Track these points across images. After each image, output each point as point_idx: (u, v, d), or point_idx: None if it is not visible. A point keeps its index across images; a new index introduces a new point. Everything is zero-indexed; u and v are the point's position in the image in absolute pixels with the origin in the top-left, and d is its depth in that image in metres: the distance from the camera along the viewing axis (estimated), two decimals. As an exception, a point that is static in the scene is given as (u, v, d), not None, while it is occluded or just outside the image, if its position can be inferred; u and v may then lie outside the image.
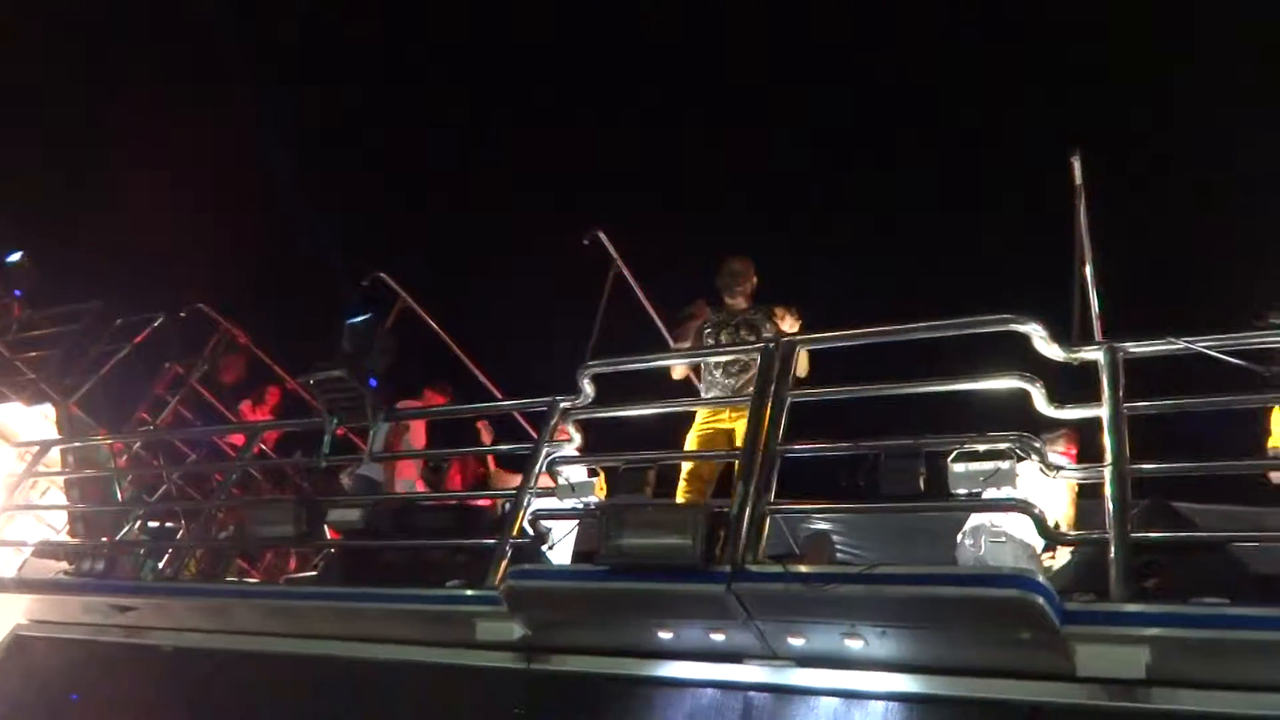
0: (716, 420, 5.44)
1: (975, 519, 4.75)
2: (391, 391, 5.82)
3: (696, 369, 5.90)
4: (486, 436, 6.99)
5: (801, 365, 5.16)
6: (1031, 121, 13.50)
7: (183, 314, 8.04)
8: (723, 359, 5.51)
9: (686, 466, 5.36)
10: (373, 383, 5.47)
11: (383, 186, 15.93)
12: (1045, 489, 4.16)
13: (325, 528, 5.44)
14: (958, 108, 14.59)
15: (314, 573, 6.28)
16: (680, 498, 5.22)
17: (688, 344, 5.71)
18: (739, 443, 4.55)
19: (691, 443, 5.42)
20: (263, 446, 8.14)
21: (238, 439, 7.63)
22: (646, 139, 15.56)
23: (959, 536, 4.84)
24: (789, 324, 5.43)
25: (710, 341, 5.60)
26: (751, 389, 4.89)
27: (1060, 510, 4.47)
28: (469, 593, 4.41)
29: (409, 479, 7.09)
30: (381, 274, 6.42)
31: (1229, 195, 11.48)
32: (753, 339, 5.43)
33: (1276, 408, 4.73)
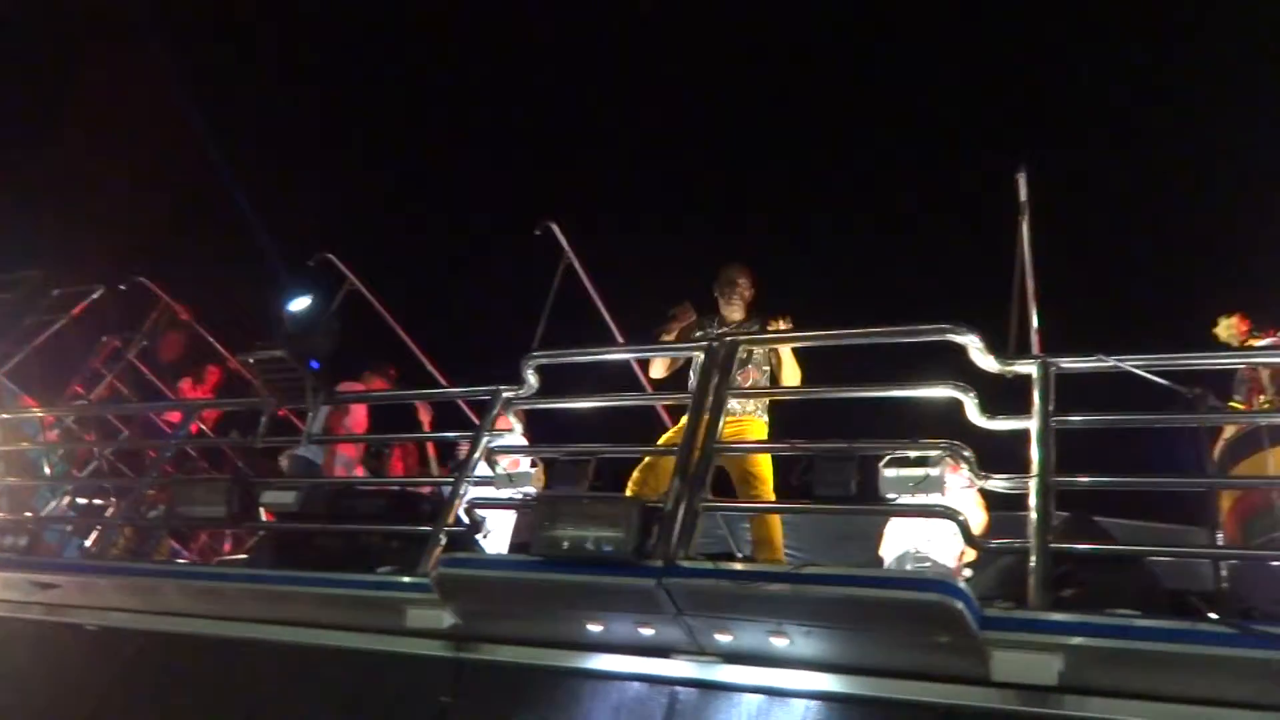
0: None
1: (899, 545, 4.86)
2: (333, 374, 5.76)
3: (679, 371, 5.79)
4: (425, 416, 6.94)
5: (792, 372, 5.17)
6: (1031, 122, 13.55)
7: (123, 286, 7.86)
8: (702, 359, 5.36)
9: (646, 459, 5.30)
10: (314, 365, 5.42)
11: (344, 169, 15.66)
12: (959, 498, 4.25)
13: (260, 510, 5.38)
14: (956, 107, 14.55)
15: (245, 555, 6.20)
16: (631, 489, 5.18)
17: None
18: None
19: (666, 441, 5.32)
20: (201, 426, 8.01)
21: (175, 417, 7.50)
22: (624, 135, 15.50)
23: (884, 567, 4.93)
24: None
25: None
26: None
27: (974, 519, 4.58)
28: (400, 579, 4.39)
29: (346, 457, 6.99)
30: (329, 255, 6.34)
31: (1194, 216, 11.75)
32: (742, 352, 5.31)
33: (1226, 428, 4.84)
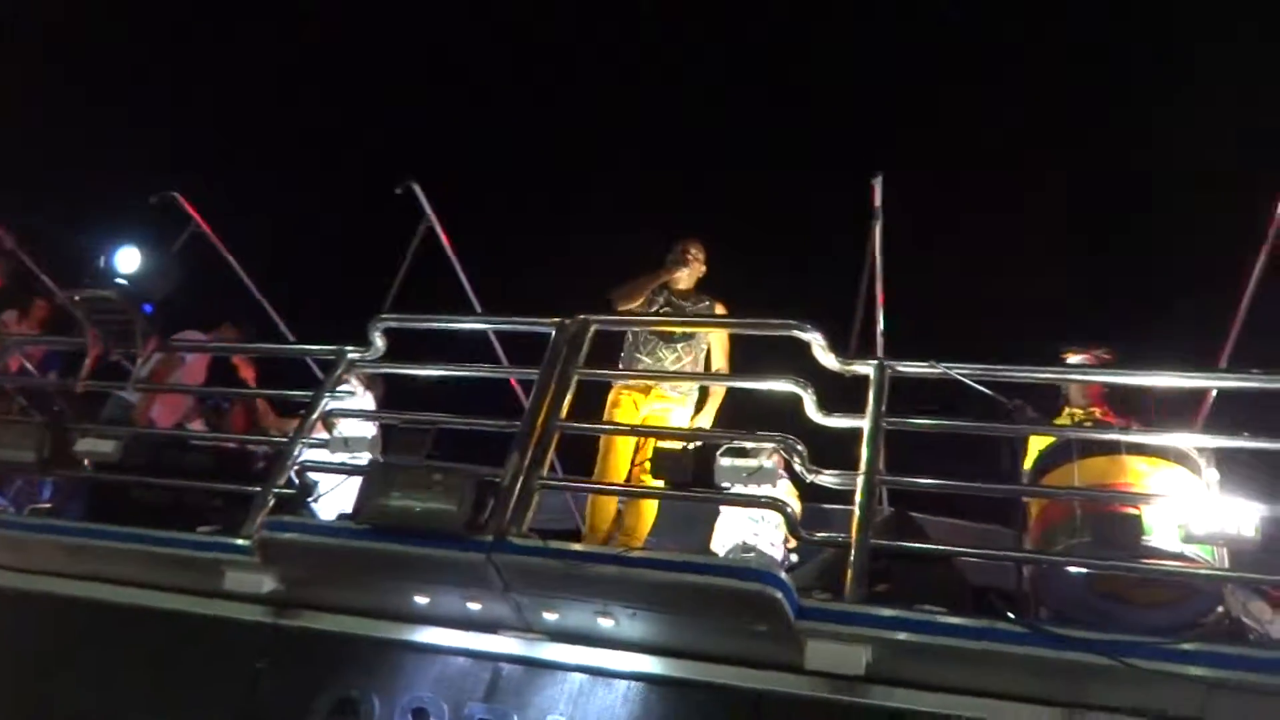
0: (629, 402, 5.16)
1: (730, 536, 4.95)
2: (169, 320, 5.45)
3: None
4: (246, 373, 6.62)
5: (720, 361, 5.15)
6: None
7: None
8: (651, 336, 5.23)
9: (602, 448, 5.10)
10: (147, 308, 5.11)
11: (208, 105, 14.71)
12: (779, 489, 4.38)
13: (84, 459, 5.04)
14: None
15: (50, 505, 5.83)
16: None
17: (635, 301, 5.27)
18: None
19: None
20: (25, 363, 7.45)
21: (-7, 352, 6.92)
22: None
23: None
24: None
25: None
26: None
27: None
28: (220, 540, 4.21)
29: (169, 408, 6.60)
30: (175, 193, 5.97)
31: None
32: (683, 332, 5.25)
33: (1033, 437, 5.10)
